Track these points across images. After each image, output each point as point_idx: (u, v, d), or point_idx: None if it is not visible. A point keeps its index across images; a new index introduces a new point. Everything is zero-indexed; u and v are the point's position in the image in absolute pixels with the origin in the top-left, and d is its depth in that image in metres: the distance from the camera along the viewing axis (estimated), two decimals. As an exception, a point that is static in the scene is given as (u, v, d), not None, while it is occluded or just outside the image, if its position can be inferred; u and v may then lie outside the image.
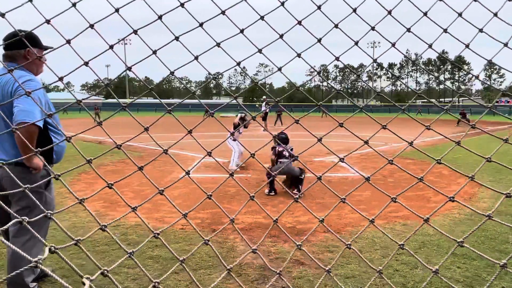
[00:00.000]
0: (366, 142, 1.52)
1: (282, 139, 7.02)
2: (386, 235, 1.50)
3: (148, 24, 1.58)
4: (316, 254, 3.82)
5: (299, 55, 1.65)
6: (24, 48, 2.69)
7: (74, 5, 1.49)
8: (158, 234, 1.29)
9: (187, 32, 1.60)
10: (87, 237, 1.25)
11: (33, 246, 2.82)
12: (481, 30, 1.57)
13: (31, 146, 1.43)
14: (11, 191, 1.58)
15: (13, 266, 2.79)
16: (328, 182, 7.24)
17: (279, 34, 1.66)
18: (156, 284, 1.15)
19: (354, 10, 1.64)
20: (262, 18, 1.65)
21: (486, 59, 1.58)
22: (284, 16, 1.73)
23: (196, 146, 12.06)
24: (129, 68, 1.57)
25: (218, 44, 1.62)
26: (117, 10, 1.52)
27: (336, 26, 1.63)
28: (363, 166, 8.87)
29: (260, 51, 1.63)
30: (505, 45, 1.55)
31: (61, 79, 1.42)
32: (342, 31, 1.68)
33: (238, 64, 1.62)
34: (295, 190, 6.58)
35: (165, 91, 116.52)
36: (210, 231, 4.45)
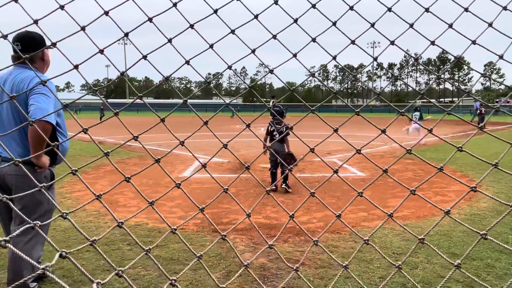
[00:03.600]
0: (383, 132, 1.51)
1: (276, 112, 6.71)
2: (405, 229, 1.50)
3: (137, 27, 1.57)
4: (316, 254, 3.82)
5: (314, 40, 1.63)
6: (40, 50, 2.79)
7: (62, 7, 1.47)
8: (175, 229, 1.29)
9: (202, 19, 1.58)
10: (102, 237, 1.25)
11: (34, 247, 2.83)
12: (484, 29, 1.57)
13: (47, 140, 1.44)
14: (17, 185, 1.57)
15: (14, 266, 2.80)
16: (328, 182, 7.25)
17: (293, 18, 1.65)
18: (173, 281, 1.15)
19: (351, 8, 1.64)
20: (276, 2, 1.63)
21: (480, 72, 1.58)
22: (283, 16, 1.73)
23: (196, 147, 12.06)
24: (122, 73, 1.57)
25: (232, 31, 1.60)
26: (106, 13, 1.51)
27: (351, 8, 1.62)
28: (363, 166, 8.87)
29: (274, 36, 1.61)
30: (501, 57, 1.55)
31: (76, 66, 1.42)
32: (339, 30, 1.67)
33: (270, 70, 1.62)
34: (283, 184, 6.59)
35: (165, 91, 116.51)
36: (210, 231, 4.45)
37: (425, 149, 12.15)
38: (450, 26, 1.58)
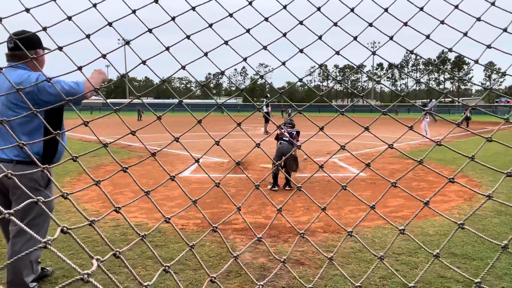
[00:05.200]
0: (368, 131, 1.52)
1: (290, 124, 7.31)
2: (392, 224, 1.50)
3: (138, 36, 1.61)
4: (315, 254, 3.82)
5: (301, 51, 1.66)
6: (34, 48, 2.75)
7: (69, 18, 1.50)
8: (192, 246, 1.30)
9: (197, 32, 1.62)
10: (101, 218, 1.25)
11: (33, 246, 2.83)
12: (479, 21, 1.58)
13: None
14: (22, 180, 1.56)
15: (13, 266, 2.79)
16: (328, 182, 7.24)
17: (282, 32, 1.67)
18: (167, 268, 1.15)
19: (352, 10, 1.65)
20: (266, 19, 1.65)
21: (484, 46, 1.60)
22: (285, 18, 1.74)
23: (195, 147, 12.06)
24: (123, 76, 1.59)
25: (226, 42, 1.63)
26: (110, 24, 1.54)
27: (335, 24, 1.65)
28: (362, 166, 8.86)
29: (265, 48, 1.64)
30: (505, 30, 1.57)
31: (80, 68, 1.44)
32: (341, 28, 1.68)
33: (245, 59, 1.63)
34: (287, 187, 6.71)
35: (165, 91, 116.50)
36: (210, 231, 4.45)
37: (425, 149, 12.15)
38: (442, 22, 1.61)
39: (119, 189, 6.60)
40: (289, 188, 6.75)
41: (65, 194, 1.13)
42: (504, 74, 1.68)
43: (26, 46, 2.66)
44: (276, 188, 6.68)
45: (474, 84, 1.98)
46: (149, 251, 3.82)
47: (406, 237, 4.20)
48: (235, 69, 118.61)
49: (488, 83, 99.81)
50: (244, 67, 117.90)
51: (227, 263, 3.55)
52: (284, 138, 6.88)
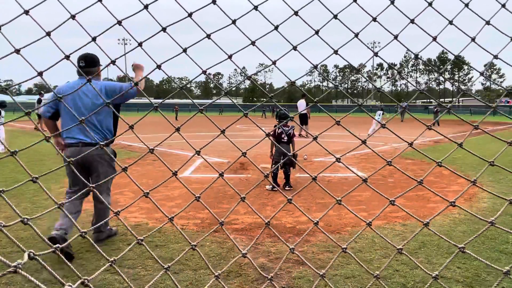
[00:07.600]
0: (364, 142, 1.52)
1: (282, 115, 7.13)
2: (384, 239, 1.49)
3: (105, 30, 1.61)
4: (316, 254, 3.82)
5: (295, 48, 1.66)
6: (98, 65, 3.92)
7: (73, 17, 1.49)
8: (142, 240, 1.30)
9: (174, 23, 1.62)
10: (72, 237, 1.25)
11: (109, 203, 4.00)
12: (473, 39, 1.57)
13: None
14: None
15: (100, 216, 4.00)
16: (328, 182, 7.24)
17: (274, 25, 1.66)
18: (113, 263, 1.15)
19: (355, 0, 1.64)
20: (256, 8, 1.65)
21: (477, 71, 1.59)
22: (285, 16, 1.73)
23: (197, 147, 12.04)
24: (113, 62, 1.59)
25: (208, 36, 1.63)
26: (72, 20, 1.53)
27: (335, 16, 1.63)
28: (362, 166, 8.87)
29: (253, 43, 1.64)
30: (495, 56, 1.56)
31: (40, 74, 1.41)
32: (341, 22, 1.68)
33: (230, 57, 1.63)
34: (287, 186, 6.71)
35: (165, 91, 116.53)
36: (211, 231, 4.45)
37: (425, 149, 12.16)
38: (451, 22, 1.59)
39: (119, 189, 6.61)
40: (289, 188, 6.73)
41: (25, 220, 1.13)
42: (507, 90, 1.68)
43: (94, 64, 3.91)
44: (276, 189, 6.66)
45: (476, 98, 1.98)
46: (149, 252, 3.82)
47: (405, 237, 4.20)
48: (235, 69, 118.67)
49: (488, 83, 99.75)
50: (244, 67, 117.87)
51: (228, 263, 3.55)
52: (282, 139, 6.87)
